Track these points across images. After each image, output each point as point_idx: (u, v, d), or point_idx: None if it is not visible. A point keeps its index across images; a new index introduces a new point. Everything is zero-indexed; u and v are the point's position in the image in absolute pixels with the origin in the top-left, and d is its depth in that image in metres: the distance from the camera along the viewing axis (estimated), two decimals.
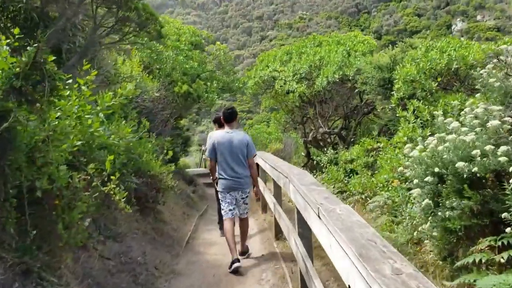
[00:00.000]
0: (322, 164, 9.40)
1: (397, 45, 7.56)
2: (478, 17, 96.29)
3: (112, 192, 3.61)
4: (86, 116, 3.88)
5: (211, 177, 5.76)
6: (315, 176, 10.57)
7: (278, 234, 6.22)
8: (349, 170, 8.65)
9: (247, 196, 5.44)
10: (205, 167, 23.68)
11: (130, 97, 7.40)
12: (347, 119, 10.34)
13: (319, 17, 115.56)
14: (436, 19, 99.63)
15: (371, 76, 6.95)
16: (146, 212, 6.05)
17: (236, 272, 4.90)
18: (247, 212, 5.55)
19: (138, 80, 8.03)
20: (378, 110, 8.40)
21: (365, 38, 9.92)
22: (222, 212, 5.52)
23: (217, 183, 5.52)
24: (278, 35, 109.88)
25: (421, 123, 5.32)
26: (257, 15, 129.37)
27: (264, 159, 7.00)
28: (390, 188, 5.52)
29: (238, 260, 4.98)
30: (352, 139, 9.49)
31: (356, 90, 8.53)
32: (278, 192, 6.18)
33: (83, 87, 3.95)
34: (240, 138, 5.35)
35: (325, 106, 10.20)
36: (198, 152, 32.27)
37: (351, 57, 8.86)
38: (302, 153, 13.04)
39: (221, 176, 5.37)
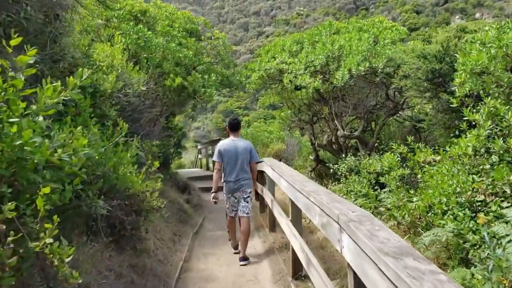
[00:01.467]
0: (340, 173, 7.95)
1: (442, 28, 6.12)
2: (477, 15, 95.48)
3: (47, 252, 2.14)
4: (12, 120, 2.40)
5: (213, 186, 6.16)
6: (329, 186, 9.12)
7: (298, 271, 4.75)
8: (373, 181, 7.19)
9: (248, 196, 5.99)
10: (201, 167, 22.17)
11: (109, 91, 5.92)
12: (368, 120, 8.88)
13: (317, 13, 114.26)
14: (434, 16, 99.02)
15: (415, 68, 5.48)
16: (122, 244, 4.56)
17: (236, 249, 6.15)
18: (248, 213, 5.95)
19: (120, 71, 6.52)
20: (416, 110, 7.02)
21: (393, 24, 8.43)
22: (227, 211, 6.14)
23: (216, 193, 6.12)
24: (275, 31, 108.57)
25: (499, 129, 3.87)
26: (254, 10, 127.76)
27: (277, 172, 5.54)
28: (451, 216, 4.06)
29: (237, 247, 6.07)
30: (375, 144, 8.05)
31: (393, 87, 7.05)
32: (297, 216, 4.71)
33: (10, 73, 2.49)
34: (244, 146, 6.07)
35: (341, 104, 8.74)
36: (194, 149, 30.73)
37: (378, 46, 7.39)
38: (310, 157, 11.58)
39: (226, 180, 5.99)
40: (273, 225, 7.43)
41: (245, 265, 5.66)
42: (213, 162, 6.41)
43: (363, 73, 7.14)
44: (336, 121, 8.36)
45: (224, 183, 6.04)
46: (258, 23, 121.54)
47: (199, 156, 22.51)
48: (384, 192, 6.70)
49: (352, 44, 7.49)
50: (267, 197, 7.19)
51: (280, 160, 18.18)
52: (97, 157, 4.10)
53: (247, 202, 5.96)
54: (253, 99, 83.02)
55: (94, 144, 3.87)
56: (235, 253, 6.17)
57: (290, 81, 8.72)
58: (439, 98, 5.09)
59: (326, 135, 9.02)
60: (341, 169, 7.70)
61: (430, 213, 4.51)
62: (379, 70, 7.02)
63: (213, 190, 6.15)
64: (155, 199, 4.77)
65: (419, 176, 5.57)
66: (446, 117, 5.24)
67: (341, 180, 7.96)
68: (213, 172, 6.33)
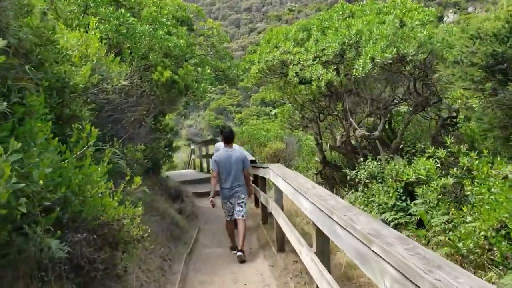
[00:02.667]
0: (358, 180, 6.82)
1: None
2: (470, 9, 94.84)
3: None
4: None
5: (211, 192, 6.59)
6: (342, 193, 8.00)
7: None
8: (400, 191, 6.07)
9: (242, 201, 6.52)
10: (194, 168, 20.94)
11: (82, 86, 4.73)
12: (387, 118, 7.71)
13: (308, 8, 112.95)
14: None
15: (469, 52, 4.34)
16: None
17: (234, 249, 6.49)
18: (243, 215, 6.47)
19: (96, 62, 5.33)
20: (457, 105, 5.89)
21: (418, 5, 7.25)
22: (224, 215, 6.67)
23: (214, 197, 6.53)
24: (267, 27, 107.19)
25: None
26: (245, 6, 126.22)
27: (294, 187, 4.43)
28: None
29: (237, 248, 6.27)
30: (400, 146, 6.89)
31: (431, 79, 5.91)
32: (324, 249, 3.57)
33: None
34: (238, 155, 6.57)
35: (354, 99, 7.58)
36: (187, 147, 29.34)
37: (405, 28, 6.20)
38: (316, 158, 10.44)
39: (222, 187, 6.52)
40: (282, 243, 6.30)
41: (242, 256, 6.13)
42: (211, 170, 6.81)
43: (390, 61, 5.98)
44: (351, 119, 7.20)
45: (220, 190, 6.60)
46: (249, 19, 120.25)
47: (192, 156, 21.28)
48: (416, 205, 5.58)
49: (372, 28, 6.33)
50: (276, 212, 6.07)
51: (278, 161, 16.99)
52: (53, 176, 2.96)
53: (242, 207, 6.52)
54: (246, 96, 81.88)
55: (44, 160, 2.72)
56: (234, 253, 6.50)
57: (296, 73, 7.56)
58: (503, 90, 3.98)
59: (339, 135, 7.85)
60: (360, 175, 6.58)
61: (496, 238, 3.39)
62: (409, 57, 5.87)
63: (211, 196, 6.55)
64: (136, 228, 3.59)
65: (467, 188, 4.46)
66: (507, 116, 4.13)
67: (359, 188, 6.83)
68: (211, 179, 6.73)
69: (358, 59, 6.15)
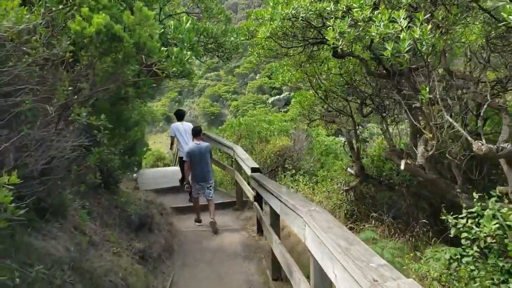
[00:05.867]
0: (472, 236, 3.56)
1: None
2: None
3: None
4: None
5: (185, 180, 8.29)
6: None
7: None
8: None
9: (210, 186, 8.00)
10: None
11: None
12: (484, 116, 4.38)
13: None
14: None
15: None
16: None
17: (199, 222, 8.25)
18: (212, 197, 8.00)
19: None
20: None
21: None
22: (193, 194, 8.14)
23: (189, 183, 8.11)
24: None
25: None
26: None
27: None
28: None
29: (201, 221, 8.18)
30: None
31: None
32: None
33: None
34: (205, 147, 7.93)
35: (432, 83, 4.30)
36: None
37: None
38: (349, 169, 7.14)
39: (194, 173, 7.93)
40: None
41: (213, 223, 7.70)
42: (184, 161, 8.13)
43: None
44: (448, 117, 3.79)
45: (194, 175, 7.96)
46: (247, 4, 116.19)
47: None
48: None
49: None
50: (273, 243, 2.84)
51: (284, 161, 13.63)
52: None
53: (210, 190, 8.00)
54: (242, 83, 78.25)
55: None
56: (198, 225, 8.23)
57: (340, 34, 4.27)
58: None
59: (421, 146, 4.49)
60: (486, 230, 3.30)
61: None
62: None
63: (185, 182, 8.21)
64: None
65: None
66: None
67: (467, 249, 3.56)
68: (185, 167, 8.13)
69: None
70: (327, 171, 8.94)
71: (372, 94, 6.01)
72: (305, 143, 13.63)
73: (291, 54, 6.33)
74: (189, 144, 8.63)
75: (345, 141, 7.54)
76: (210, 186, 8.00)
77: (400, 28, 3.44)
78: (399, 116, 6.23)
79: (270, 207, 5.04)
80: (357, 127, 6.87)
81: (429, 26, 3.31)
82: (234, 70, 78.06)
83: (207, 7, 6.73)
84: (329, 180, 8.50)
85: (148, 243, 6.17)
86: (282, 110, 52.23)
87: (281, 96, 67.55)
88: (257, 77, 75.94)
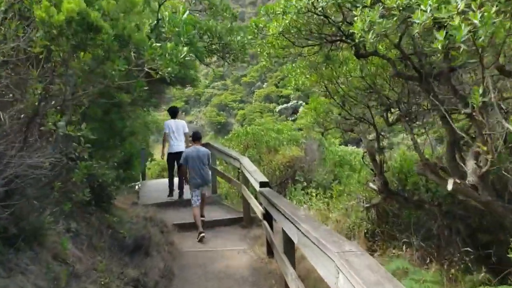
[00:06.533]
0: None
1: None
2: None
3: None
4: None
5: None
6: None
7: None
8: None
9: (208, 186, 8.48)
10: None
11: None
12: None
13: None
14: None
15: None
16: None
17: (201, 241, 7.48)
18: (204, 192, 8.07)
19: None
20: None
21: None
22: (192, 201, 7.83)
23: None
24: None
25: None
26: (250, 0, 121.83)
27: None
28: None
29: (203, 232, 7.57)
30: None
31: None
32: None
33: None
34: (203, 152, 7.89)
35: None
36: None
37: None
38: (371, 184, 6.37)
39: (193, 177, 7.79)
40: None
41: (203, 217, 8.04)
42: (181, 164, 8.22)
43: None
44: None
45: (191, 180, 7.85)
46: (254, 13, 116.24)
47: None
48: None
49: None
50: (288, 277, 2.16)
51: (295, 173, 12.84)
52: None
53: (207, 190, 8.36)
54: (249, 92, 77.64)
55: None
56: (198, 241, 7.51)
57: (370, 25, 3.54)
58: None
59: (470, 160, 3.67)
60: None
61: None
62: None
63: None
64: None
65: None
66: None
67: None
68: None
69: None
70: (344, 185, 8.14)
71: (399, 100, 5.25)
72: (317, 153, 12.84)
73: (306, 55, 5.60)
74: (178, 140, 9.44)
75: (364, 152, 6.76)
76: (208, 187, 8.56)
77: (456, 11, 2.69)
78: (432, 124, 5.46)
79: (283, 231, 4.28)
80: (379, 135, 6.11)
81: (494, 9, 2.57)
82: (241, 79, 77.53)
83: (211, 3, 6.04)
84: (346, 195, 7.73)
85: (144, 269, 5.41)
86: (290, 119, 51.41)
87: (289, 104, 66.82)
88: (264, 86, 75.35)
